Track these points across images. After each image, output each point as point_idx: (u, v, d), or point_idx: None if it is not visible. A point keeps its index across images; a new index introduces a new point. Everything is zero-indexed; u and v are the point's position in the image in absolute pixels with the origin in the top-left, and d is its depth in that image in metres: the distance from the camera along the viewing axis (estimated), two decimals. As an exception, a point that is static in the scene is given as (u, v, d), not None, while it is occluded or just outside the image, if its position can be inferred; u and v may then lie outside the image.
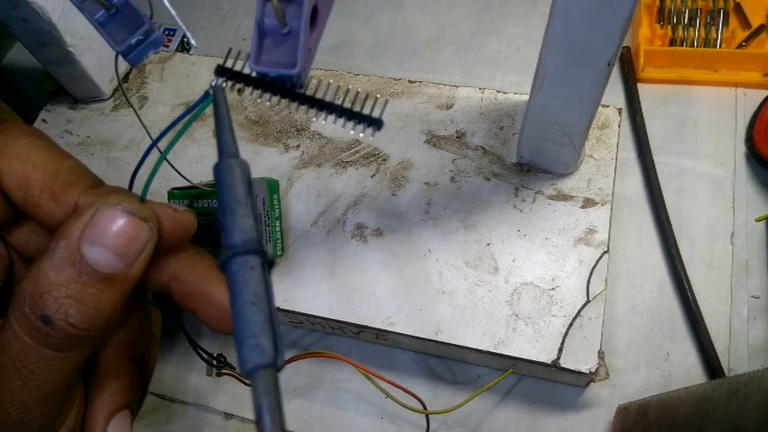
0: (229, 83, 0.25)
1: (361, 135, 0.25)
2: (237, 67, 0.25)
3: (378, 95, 0.25)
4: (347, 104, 0.25)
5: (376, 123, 0.25)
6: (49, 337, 0.20)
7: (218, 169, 0.22)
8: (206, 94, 0.25)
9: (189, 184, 0.38)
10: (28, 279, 0.21)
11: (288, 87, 0.25)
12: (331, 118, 0.25)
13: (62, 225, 0.21)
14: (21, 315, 0.20)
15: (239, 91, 0.25)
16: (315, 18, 0.25)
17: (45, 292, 0.20)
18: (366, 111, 0.25)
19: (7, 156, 0.23)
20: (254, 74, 0.25)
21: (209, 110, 0.24)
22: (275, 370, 0.19)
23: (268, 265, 0.21)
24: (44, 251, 0.21)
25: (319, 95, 0.25)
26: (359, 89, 0.25)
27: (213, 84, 0.25)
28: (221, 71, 0.25)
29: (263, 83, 0.25)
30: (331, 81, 0.25)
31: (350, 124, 0.25)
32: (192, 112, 0.25)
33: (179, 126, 0.25)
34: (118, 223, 0.21)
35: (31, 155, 0.23)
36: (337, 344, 0.45)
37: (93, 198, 0.23)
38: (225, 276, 0.20)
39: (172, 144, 0.25)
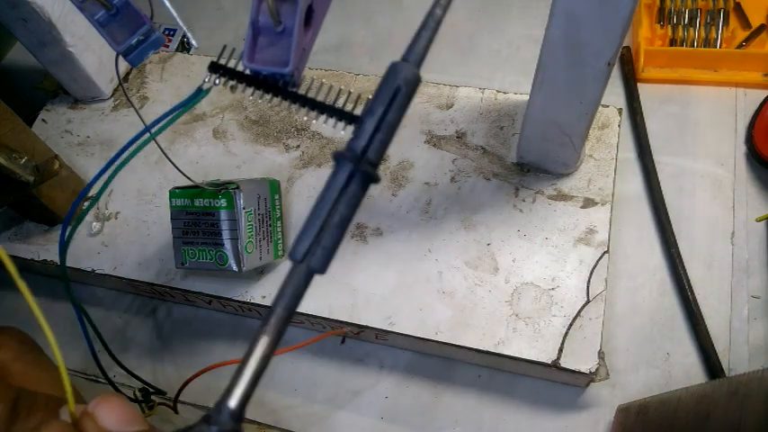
0: (222, 79, 0.25)
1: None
2: (232, 65, 0.25)
3: (370, 96, 0.25)
4: (339, 105, 0.25)
5: None
6: None
7: (391, 67, 0.21)
8: (199, 89, 0.25)
9: (190, 183, 0.38)
10: None
11: (280, 86, 0.25)
12: (323, 117, 0.25)
13: None
14: None
15: (232, 88, 0.25)
16: (310, 17, 0.25)
17: None
18: (358, 112, 0.25)
19: (12, 375, 0.22)
20: (247, 71, 0.25)
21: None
22: (310, 272, 0.19)
23: (369, 179, 0.21)
24: None
25: (311, 95, 0.25)
26: (351, 90, 0.25)
27: (206, 80, 0.25)
28: (215, 68, 0.25)
29: (257, 80, 0.25)
30: (324, 81, 0.25)
31: (341, 124, 0.25)
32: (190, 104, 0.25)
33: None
34: None
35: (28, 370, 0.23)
36: (337, 343, 0.45)
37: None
38: (333, 169, 0.20)
39: (163, 128, 0.25)
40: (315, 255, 0.19)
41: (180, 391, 0.39)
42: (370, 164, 0.20)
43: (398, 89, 0.21)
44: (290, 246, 0.20)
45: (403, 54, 0.21)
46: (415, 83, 0.21)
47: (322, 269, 0.19)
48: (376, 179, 0.20)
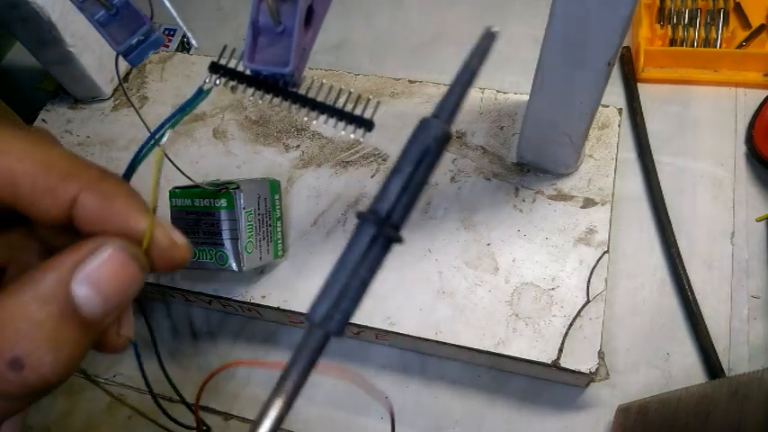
0: (223, 80, 0.25)
1: (352, 136, 0.25)
2: (232, 65, 0.25)
3: (370, 97, 0.25)
4: (339, 105, 0.25)
5: (366, 125, 0.25)
6: (6, 383, 0.17)
7: (421, 124, 0.20)
8: (200, 90, 0.25)
9: (191, 183, 0.38)
10: (2, 306, 0.17)
11: (281, 86, 0.25)
12: (323, 117, 0.25)
13: (52, 258, 0.18)
14: None
15: (233, 88, 0.25)
16: (310, 17, 0.25)
17: (21, 329, 0.17)
18: (358, 112, 0.25)
19: None
20: (247, 71, 0.25)
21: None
22: (328, 336, 0.19)
23: (391, 243, 0.20)
24: (24, 279, 0.18)
25: (312, 95, 0.25)
26: (351, 90, 0.25)
27: (206, 80, 0.25)
28: (215, 68, 0.25)
29: (257, 81, 0.25)
30: (324, 81, 0.25)
31: (341, 124, 0.25)
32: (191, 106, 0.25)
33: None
34: (116, 267, 0.19)
35: (14, 145, 0.19)
36: (337, 343, 0.45)
37: (97, 197, 0.20)
38: (355, 230, 0.19)
39: (164, 131, 0.25)
40: (333, 319, 0.19)
41: (199, 398, 0.38)
42: (394, 227, 0.19)
43: (428, 149, 0.20)
44: (310, 306, 0.19)
45: (434, 110, 0.20)
46: (445, 141, 0.20)
47: (340, 333, 0.19)
48: (400, 241, 0.20)
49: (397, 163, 0.20)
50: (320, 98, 0.25)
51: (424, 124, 0.20)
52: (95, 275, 0.18)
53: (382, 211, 0.20)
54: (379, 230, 0.19)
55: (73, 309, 0.18)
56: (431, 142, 0.20)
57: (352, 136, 0.25)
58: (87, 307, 0.18)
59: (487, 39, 0.21)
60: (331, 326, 0.19)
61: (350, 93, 0.25)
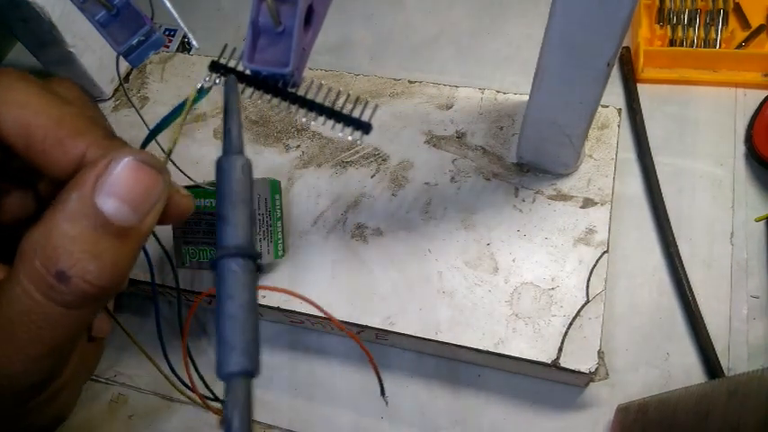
0: (223, 79, 0.25)
1: (350, 138, 0.25)
2: (232, 65, 0.25)
3: (368, 99, 0.25)
4: (337, 107, 0.25)
5: (364, 127, 0.25)
6: (61, 294, 0.19)
7: (220, 164, 0.22)
8: (200, 88, 0.25)
9: (191, 183, 0.38)
10: (38, 231, 0.19)
11: (280, 86, 0.25)
12: (321, 119, 0.25)
13: (75, 175, 0.20)
14: (31, 270, 0.19)
15: None
16: (310, 18, 0.26)
17: (59, 246, 0.19)
18: (356, 114, 0.25)
19: (5, 102, 0.21)
20: (247, 71, 0.25)
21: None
22: (251, 378, 0.18)
23: (257, 270, 0.20)
24: (54, 203, 0.20)
25: (311, 96, 0.25)
26: (350, 92, 0.25)
27: (206, 79, 0.25)
28: (215, 67, 0.26)
29: (256, 81, 0.25)
30: (323, 82, 0.25)
31: (339, 126, 0.25)
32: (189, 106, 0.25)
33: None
34: (133, 174, 0.20)
35: (30, 100, 0.21)
36: (337, 343, 0.45)
37: (104, 150, 0.22)
38: (215, 273, 0.20)
39: (160, 130, 0.25)
40: (243, 362, 0.19)
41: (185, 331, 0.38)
42: (247, 253, 0.20)
43: (238, 181, 0.22)
44: (234, 359, 0.18)
45: (224, 147, 0.22)
46: (250, 165, 0.22)
47: (256, 369, 0.19)
48: (258, 258, 0.20)
49: (218, 208, 0.21)
50: (319, 100, 0.25)
51: (223, 164, 0.22)
52: (117, 186, 0.20)
53: (247, 246, 0.20)
54: (255, 261, 0.20)
55: (105, 221, 0.19)
56: (238, 173, 0.21)
57: (349, 138, 0.25)
58: (118, 216, 0.20)
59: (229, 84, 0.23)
60: (248, 367, 0.19)
61: (348, 95, 0.25)
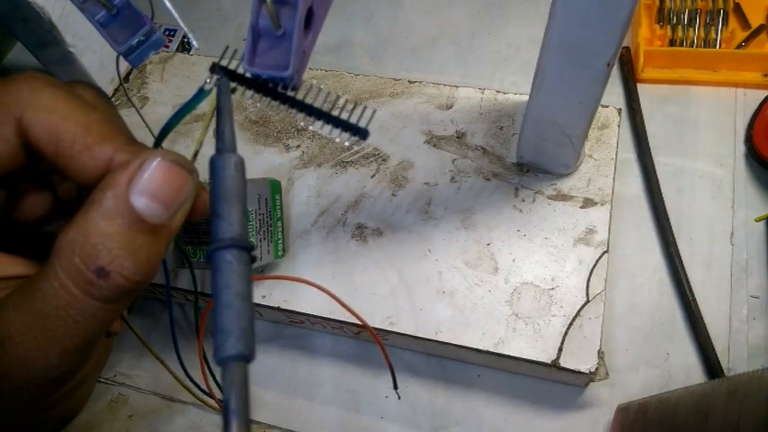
0: (223, 81, 0.26)
1: (347, 144, 0.25)
2: (233, 67, 0.25)
3: (366, 105, 0.25)
4: (335, 112, 0.25)
5: (361, 133, 0.25)
6: (100, 289, 0.20)
7: (213, 163, 0.22)
8: (200, 90, 0.26)
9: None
10: (75, 229, 0.20)
11: (280, 89, 0.25)
12: (319, 123, 0.25)
13: (107, 176, 0.21)
14: (70, 266, 0.20)
15: (233, 90, 0.26)
16: (310, 20, 0.26)
17: (97, 243, 0.20)
18: (354, 119, 0.25)
19: (34, 107, 0.22)
20: (247, 74, 0.25)
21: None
22: (247, 364, 0.19)
23: (251, 261, 0.21)
24: (89, 202, 0.21)
25: (309, 100, 0.25)
26: (348, 97, 0.25)
27: (207, 80, 0.25)
28: (216, 69, 0.26)
29: (257, 83, 0.25)
30: (322, 86, 0.25)
31: (336, 131, 0.25)
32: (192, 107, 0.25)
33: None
34: (165, 173, 0.21)
35: (58, 105, 0.23)
36: (337, 344, 0.45)
37: (129, 154, 0.23)
38: (212, 266, 0.20)
39: (170, 129, 0.25)
40: (239, 346, 0.19)
41: (201, 328, 0.39)
42: (242, 245, 0.21)
43: (233, 178, 0.22)
44: (231, 343, 0.19)
45: (217, 145, 0.23)
46: (242, 162, 0.23)
47: (251, 354, 0.19)
48: (251, 248, 0.21)
49: (213, 206, 0.21)
50: (317, 104, 0.25)
51: (216, 162, 0.22)
52: (149, 186, 0.21)
53: (242, 237, 0.21)
54: (250, 253, 0.21)
55: (138, 218, 0.21)
56: (232, 171, 0.22)
57: (346, 144, 0.25)
58: (150, 214, 0.21)
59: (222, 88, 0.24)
60: (244, 351, 0.19)
61: (347, 100, 0.25)
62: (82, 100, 0.24)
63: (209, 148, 0.49)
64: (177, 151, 0.24)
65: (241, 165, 0.23)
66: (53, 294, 0.20)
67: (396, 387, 0.38)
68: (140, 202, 0.21)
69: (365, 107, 0.25)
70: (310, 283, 0.36)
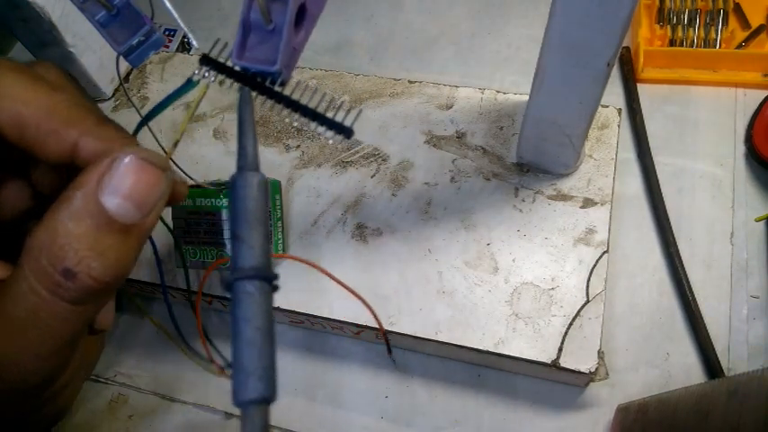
0: (212, 72, 0.26)
1: (330, 142, 0.25)
2: (223, 60, 0.25)
3: (352, 105, 0.25)
4: (321, 110, 0.25)
5: (346, 132, 0.25)
6: (68, 290, 0.20)
7: (235, 182, 0.21)
8: (188, 80, 0.26)
9: (191, 182, 0.38)
10: (44, 230, 0.20)
11: (267, 84, 0.25)
12: (304, 120, 0.25)
13: (78, 174, 0.21)
14: (37, 267, 0.20)
15: (221, 83, 0.26)
16: (302, 17, 0.26)
17: (65, 244, 0.19)
18: (339, 118, 0.25)
19: None
20: (236, 67, 0.25)
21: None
22: (268, 405, 0.18)
23: (273, 290, 0.20)
24: (59, 201, 0.20)
25: (296, 96, 0.25)
26: (335, 95, 0.25)
27: (195, 72, 0.25)
28: (206, 61, 0.26)
29: (245, 77, 0.25)
30: (309, 83, 0.25)
31: (321, 129, 0.25)
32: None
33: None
34: (136, 172, 0.20)
35: (21, 92, 0.22)
36: (337, 344, 0.45)
37: (96, 141, 0.22)
38: (232, 295, 0.19)
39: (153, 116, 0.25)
40: (260, 388, 0.18)
41: (200, 289, 0.38)
42: (255, 270, 0.20)
43: (253, 198, 0.21)
44: (251, 384, 0.18)
45: (238, 161, 0.22)
46: (266, 182, 0.21)
47: (273, 395, 0.18)
48: (275, 279, 0.20)
49: (234, 227, 0.20)
50: (304, 101, 0.25)
51: (237, 181, 0.21)
52: (120, 184, 0.20)
53: (264, 267, 0.20)
54: (272, 283, 0.20)
55: (108, 218, 0.20)
56: (254, 191, 0.21)
57: (330, 142, 0.25)
58: (122, 214, 0.20)
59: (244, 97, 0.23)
60: (265, 394, 0.18)
61: (333, 98, 0.25)
62: (45, 81, 0.23)
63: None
64: (176, 151, 0.24)
65: (264, 185, 0.21)
66: (23, 297, 0.20)
67: (390, 352, 0.39)
68: (111, 202, 0.20)
69: (351, 107, 0.25)
70: (320, 268, 0.35)
